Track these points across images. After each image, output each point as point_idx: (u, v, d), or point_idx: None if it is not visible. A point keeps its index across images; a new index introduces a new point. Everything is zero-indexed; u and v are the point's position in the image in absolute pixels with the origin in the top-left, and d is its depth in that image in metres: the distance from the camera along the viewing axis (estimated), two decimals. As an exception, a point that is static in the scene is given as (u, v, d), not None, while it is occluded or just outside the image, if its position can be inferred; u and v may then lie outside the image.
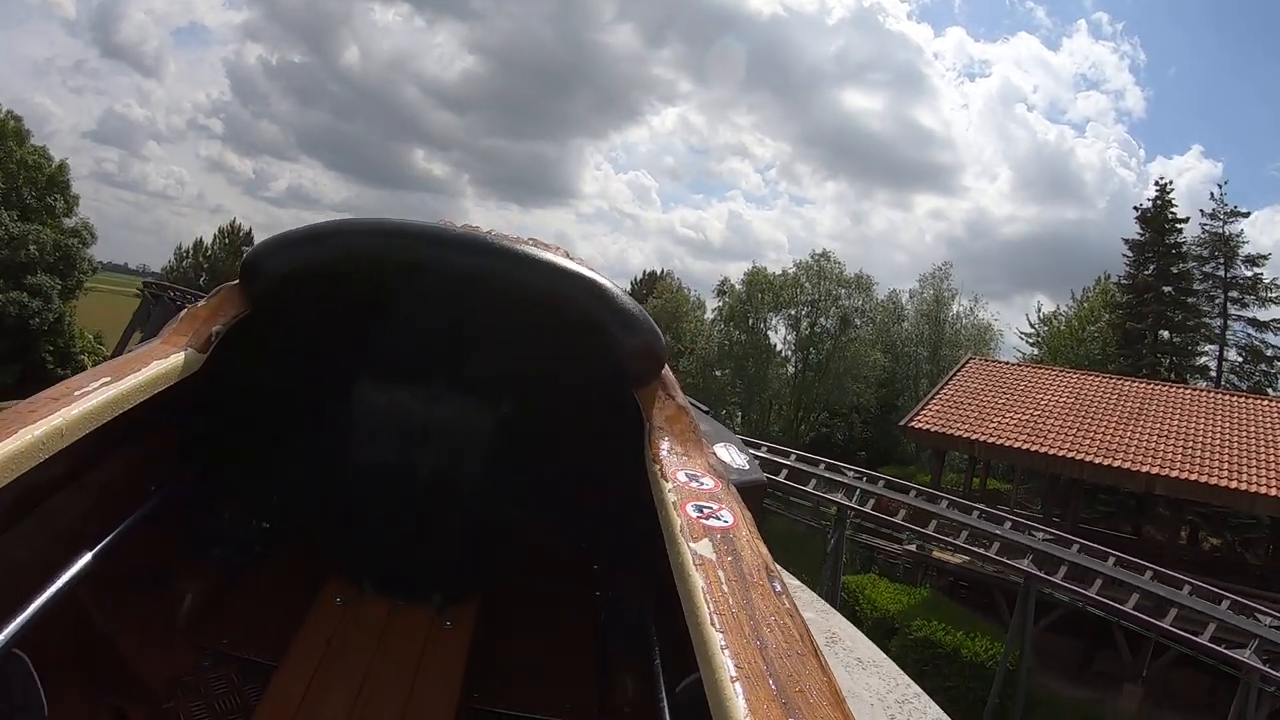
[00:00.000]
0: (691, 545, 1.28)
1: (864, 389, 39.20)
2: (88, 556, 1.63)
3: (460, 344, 2.11)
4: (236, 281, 1.93)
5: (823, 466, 21.71)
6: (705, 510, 1.38)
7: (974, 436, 23.32)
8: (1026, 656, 14.88)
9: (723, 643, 1.07)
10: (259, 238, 44.85)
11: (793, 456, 22.46)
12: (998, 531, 16.48)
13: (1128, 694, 17.01)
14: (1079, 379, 26.02)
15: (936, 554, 21.10)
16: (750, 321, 42.39)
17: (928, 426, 24.39)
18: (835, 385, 39.62)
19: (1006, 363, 31.20)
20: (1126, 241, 34.74)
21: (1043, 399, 24.45)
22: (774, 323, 43.08)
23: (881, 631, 19.26)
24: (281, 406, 2.30)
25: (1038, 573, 14.93)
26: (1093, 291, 38.63)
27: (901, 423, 25.83)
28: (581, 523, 2.52)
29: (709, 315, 45.31)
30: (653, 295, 49.43)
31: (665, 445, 1.65)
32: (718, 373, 42.83)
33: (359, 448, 2.10)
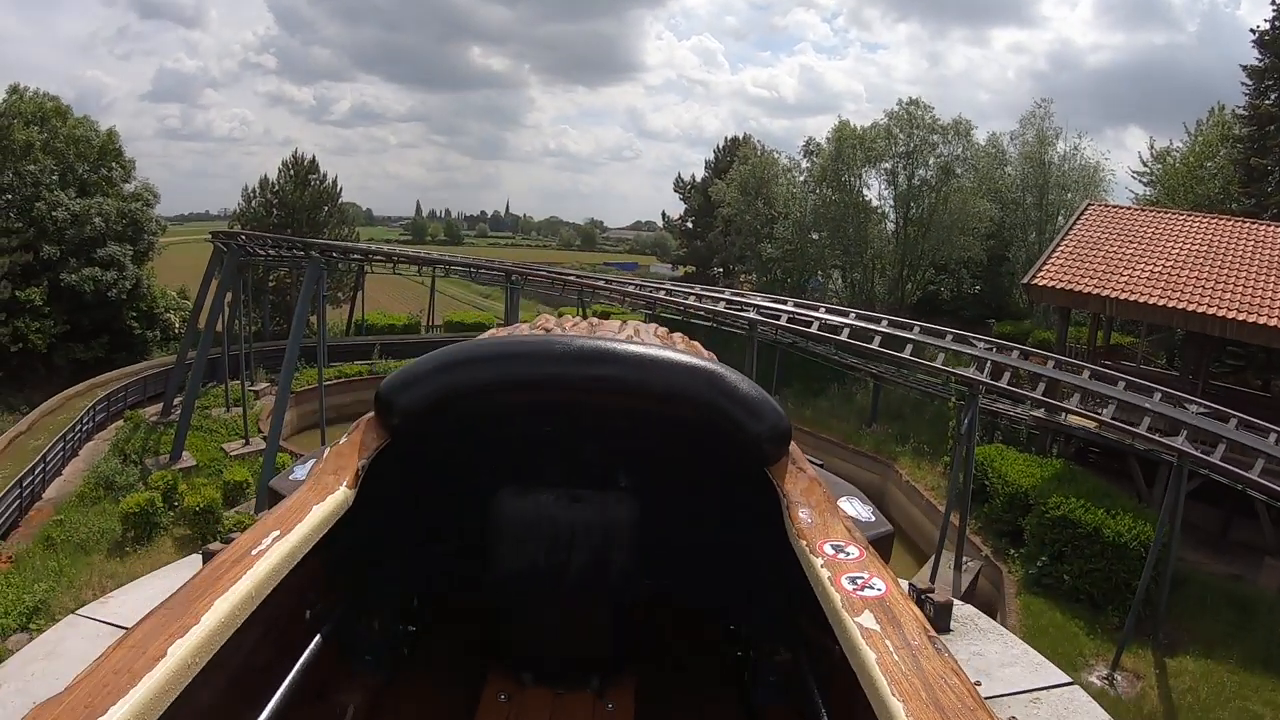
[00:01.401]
0: (856, 620, 1.36)
1: (971, 242, 37.70)
2: (272, 699, 1.73)
3: (595, 443, 2.21)
4: (372, 414, 2.04)
5: (949, 338, 21.22)
6: (859, 581, 1.46)
7: (1104, 293, 22.18)
8: (1176, 538, 14.73)
9: (904, 711, 1.15)
10: (326, 163, 44.07)
11: (917, 329, 22.04)
12: (1148, 405, 16.05)
13: (1269, 569, 16.92)
14: (1210, 224, 24.27)
15: (1072, 418, 20.20)
16: (843, 179, 41.04)
17: (1052, 283, 23.20)
18: (941, 240, 38.33)
19: (1127, 207, 29.40)
20: (1244, 68, 31.10)
21: (1174, 248, 23.09)
22: (869, 179, 41.66)
23: (1015, 508, 19.35)
24: (422, 516, 2.40)
25: (1193, 451, 14.80)
26: (1207, 124, 35.47)
27: (1024, 281, 24.63)
28: (723, 589, 2.55)
29: (800, 177, 43.90)
30: (737, 161, 48.11)
31: (805, 518, 1.72)
32: (814, 236, 42.19)
33: (506, 551, 2.16)
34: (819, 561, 1.56)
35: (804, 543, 1.64)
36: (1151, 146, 38.35)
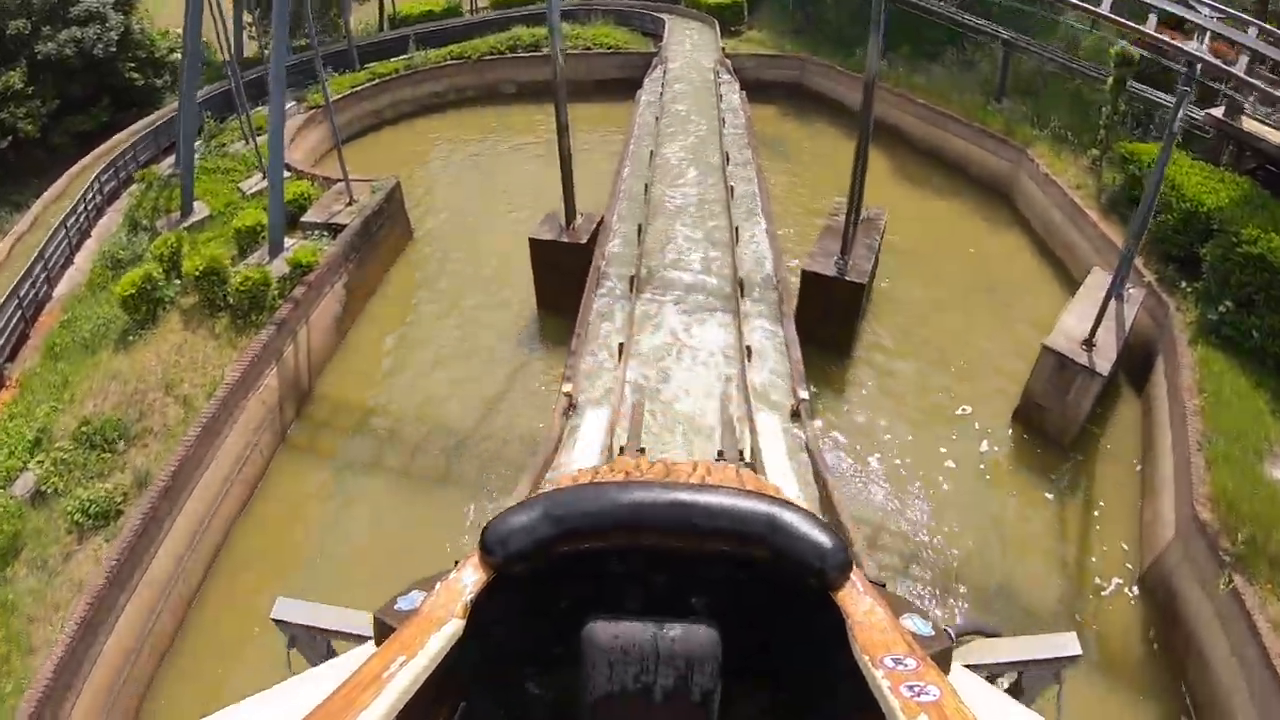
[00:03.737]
0: None
1: None
2: None
3: (678, 577, 2.35)
4: (477, 554, 2.16)
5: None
6: (915, 689, 1.58)
7: None
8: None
9: None
10: None
11: None
12: None
13: None
14: None
15: (1251, 124, 16.24)
16: None
17: None
18: None
19: None
20: None
21: None
22: None
23: (1191, 230, 14.99)
24: (515, 645, 2.49)
25: None
26: None
27: None
28: (794, 706, 2.60)
29: None
30: None
31: (868, 636, 1.85)
32: None
33: (595, 679, 2.17)
34: (880, 673, 1.71)
35: (866, 657, 1.80)
36: None
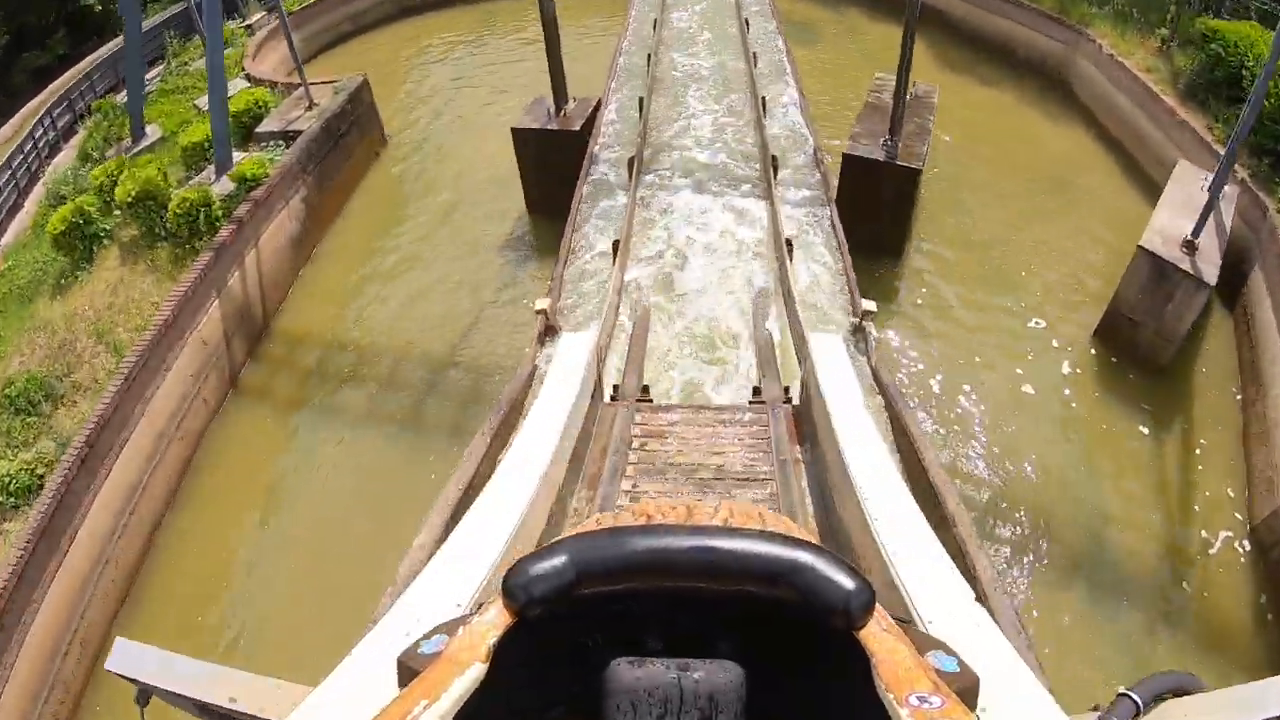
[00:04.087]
0: None
1: None
2: None
3: (702, 617, 2.26)
4: (500, 599, 2.10)
5: None
6: None
7: None
8: None
9: None
10: None
11: None
12: None
13: None
14: None
15: None
16: None
17: None
18: None
19: None
20: None
21: None
22: None
23: None
24: (538, 687, 2.36)
25: None
26: None
27: None
28: None
29: None
30: None
31: (892, 674, 1.82)
32: None
33: (619, 712, 2.16)
34: (905, 712, 1.67)
35: (891, 696, 1.74)
36: None
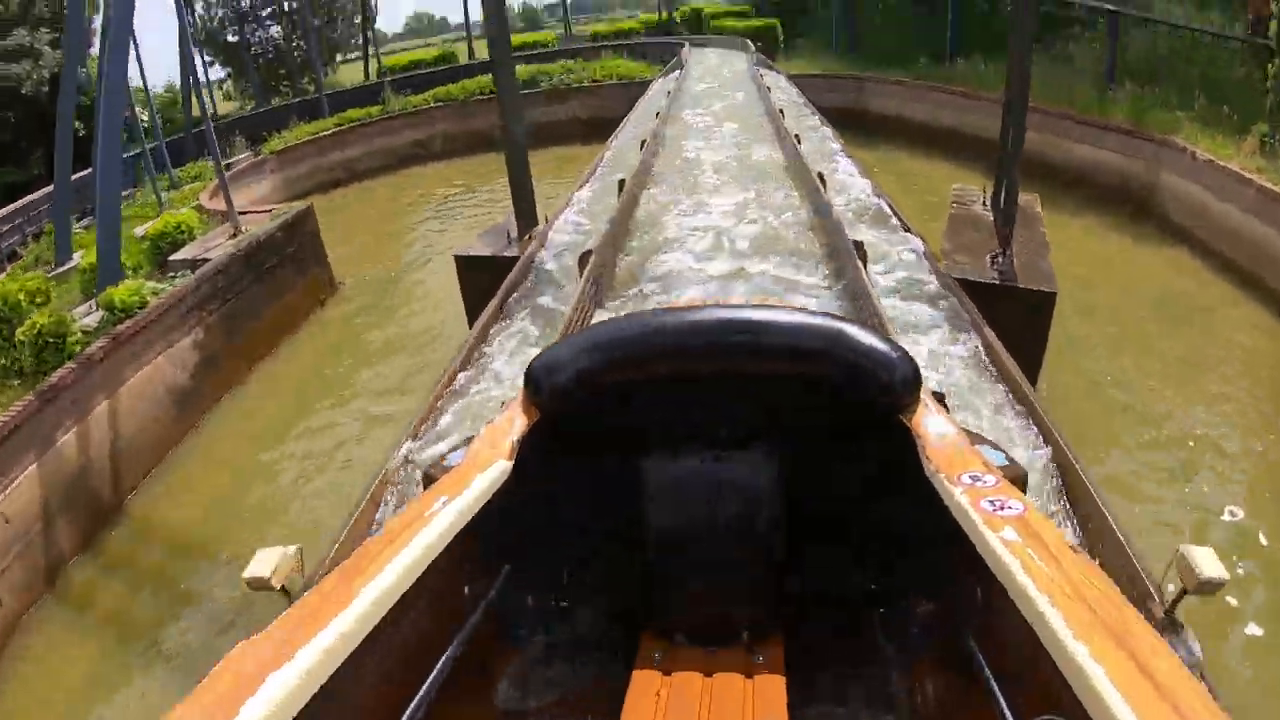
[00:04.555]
0: (997, 534, 1.46)
1: None
2: (433, 669, 1.79)
3: (735, 405, 2.26)
4: (521, 397, 2.15)
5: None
6: (997, 503, 1.56)
7: None
8: None
9: (1050, 603, 1.25)
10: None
11: None
12: None
13: None
14: None
15: None
16: None
17: None
18: None
19: None
20: None
21: None
22: None
23: None
24: (570, 490, 2.44)
25: None
26: None
27: None
28: (865, 544, 2.53)
29: None
30: None
31: (941, 453, 1.83)
32: None
33: (657, 515, 2.25)
34: (957, 490, 1.65)
35: (942, 475, 1.74)
36: None
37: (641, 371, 2.08)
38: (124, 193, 18.99)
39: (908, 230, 9.14)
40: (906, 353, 2.06)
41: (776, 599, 2.33)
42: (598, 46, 27.88)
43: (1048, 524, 1.46)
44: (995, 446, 2.11)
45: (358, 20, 31.99)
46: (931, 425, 1.95)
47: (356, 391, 11.74)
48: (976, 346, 6.24)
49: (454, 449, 2.16)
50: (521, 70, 25.83)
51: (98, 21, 22.52)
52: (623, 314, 2.42)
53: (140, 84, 19.63)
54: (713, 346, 2.03)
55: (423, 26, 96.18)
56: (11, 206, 20.50)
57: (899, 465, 1.98)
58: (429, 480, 2.00)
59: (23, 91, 23.28)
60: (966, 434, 1.99)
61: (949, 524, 1.64)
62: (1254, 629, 6.51)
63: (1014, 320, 7.77)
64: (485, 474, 1.82)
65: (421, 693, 1.64)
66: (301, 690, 1.21)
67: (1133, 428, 9.34)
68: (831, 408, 2.16)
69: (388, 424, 10.24)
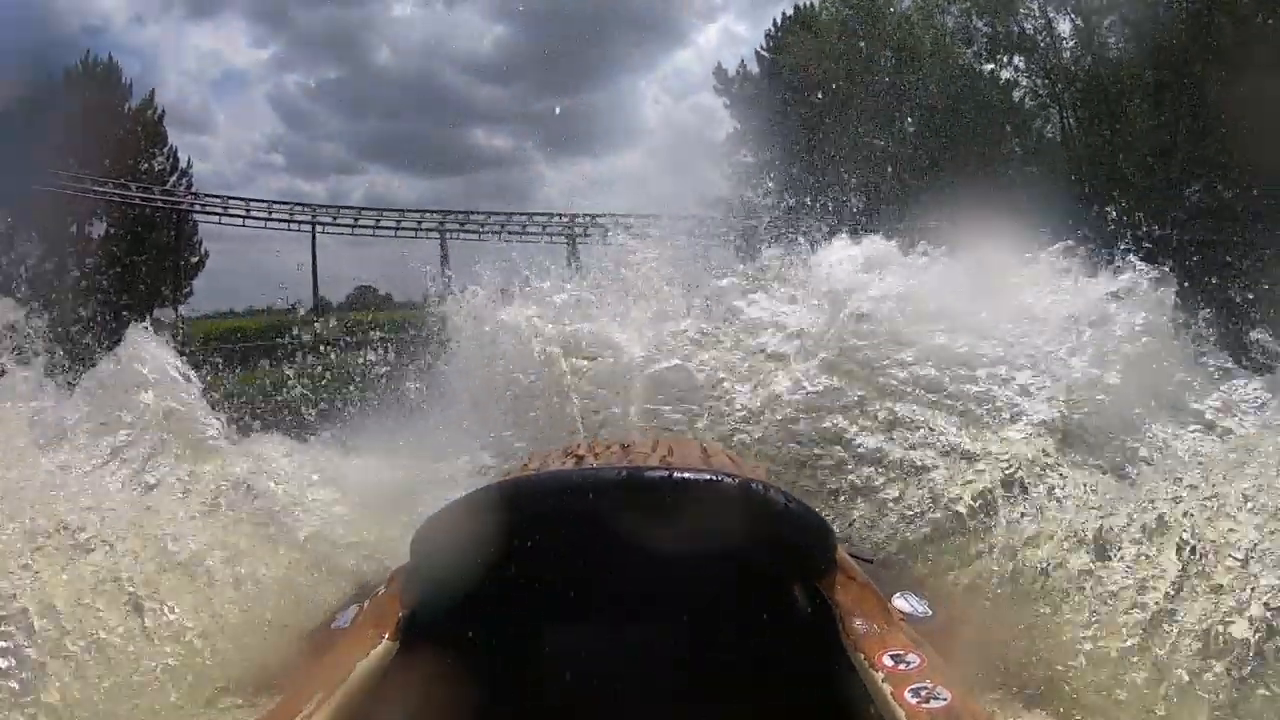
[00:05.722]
0: None
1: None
2: None
3: (640, 567, 2.10)
4: (409, 562, 2.06)
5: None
6: (923, 692, 1.43)
7: None
8: None
9: None
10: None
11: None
12: None
13: None
14: None
15: None
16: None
17: None
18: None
19: None
20: None
21: None
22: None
23: None
24: (462, 665, 2.20)
25: None
26: None
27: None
28: (771, 705, 2.34)
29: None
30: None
31: (860, 628, 1.73)
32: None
33: (557, 684, 2.17)
34: (879, 675, 1.56)
35: (861, 655, 1.66)
36: None
37: (536, 533, 2.00)
38: None
39: None
40: (820, 517, 2.03)
41: None
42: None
43: (974, 711, 1.39)
44: (917, 595, 2.06)
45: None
46: (848, 592, 1.90)
47: None
48: None
49: (343, 612, 2.09)
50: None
51: None
52: (511, 475, 2.40)
53: None
54: (612, 506, 1.95)
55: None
56: None
57: (815, 632, 1.92)
58: (314, 646, 1.94)
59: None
60: (883, 582, 1.97)
61: (867, 701, 1.54)
62: None
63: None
64: (367, 661, 1.72)
65: None
66: None
67: None
68: (740, 570, 2.12)
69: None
